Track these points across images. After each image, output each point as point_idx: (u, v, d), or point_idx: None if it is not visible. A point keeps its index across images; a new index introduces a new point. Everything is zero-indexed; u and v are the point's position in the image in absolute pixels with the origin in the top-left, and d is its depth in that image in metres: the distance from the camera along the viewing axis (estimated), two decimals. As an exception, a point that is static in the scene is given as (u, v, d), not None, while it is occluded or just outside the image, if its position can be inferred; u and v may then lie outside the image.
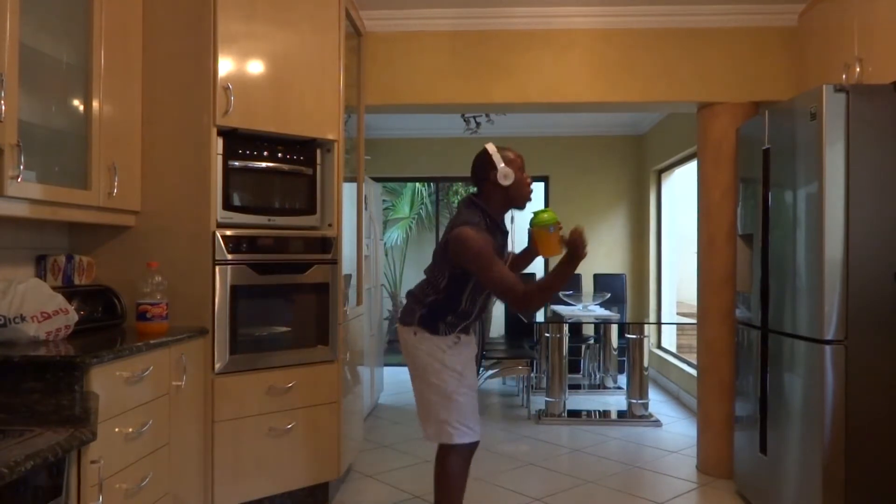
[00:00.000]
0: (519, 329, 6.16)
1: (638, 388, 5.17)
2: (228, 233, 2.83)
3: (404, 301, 2.69)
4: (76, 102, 2.46)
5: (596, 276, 6.81)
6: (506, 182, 2.47)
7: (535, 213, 2.49)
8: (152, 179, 2.81)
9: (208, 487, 2.75)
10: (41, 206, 2.20)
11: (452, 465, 2.59)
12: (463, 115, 5.66)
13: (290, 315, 3.11)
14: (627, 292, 6.87)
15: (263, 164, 3.00)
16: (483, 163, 2.53)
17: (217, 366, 2.79)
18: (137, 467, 2.19)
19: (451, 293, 2.53)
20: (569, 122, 6.91)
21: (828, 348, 2.69)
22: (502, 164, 2.48)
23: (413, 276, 9.46)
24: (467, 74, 3.79)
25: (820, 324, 2.71)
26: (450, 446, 2.57)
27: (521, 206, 2.59)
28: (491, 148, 2.54)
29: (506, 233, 2.63)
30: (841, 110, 2.68)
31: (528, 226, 2.56)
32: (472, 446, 2.63)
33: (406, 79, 3.80)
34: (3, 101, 1.92)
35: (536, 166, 7.28)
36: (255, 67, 2.91)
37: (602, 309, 5.58)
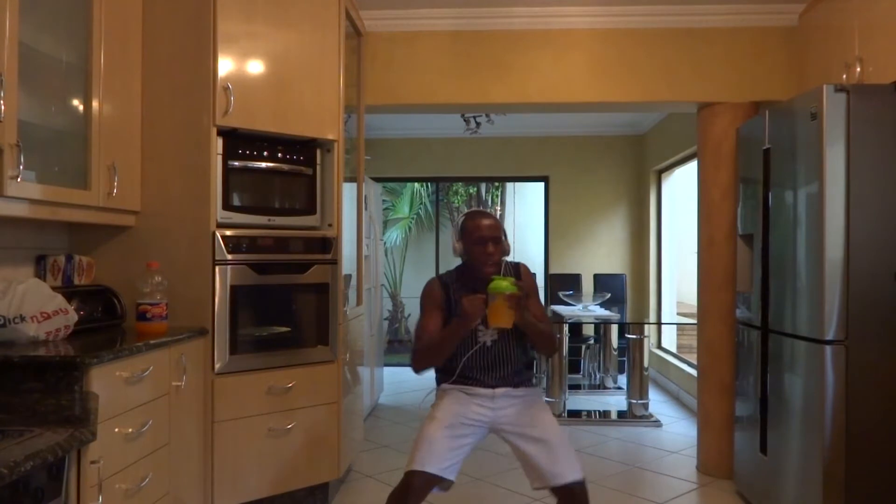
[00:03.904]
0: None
1: (638, 389, 5.17)
2: (228, 233, 2.83)
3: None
4: (76, 102, 2.46)
5: (596, 276, 6.81)
6: (455, 255, 2.53)
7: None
8: (152, 179, 2.81)
9: (208, 487, 2.75)
10: (41, 206, 2.20)
11: (397, 486, 2.35)
12: (463, 115, 5.66)
13: (289, 315, 3.11)
14: (627, 292, 6.87)
15: (263, 164, 3.00)
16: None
17: (217, 366, 2.79)
18: (137, 467, 2.18)
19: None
20: (569, 122, 6.91)
21: (828, 348, 2.69)
22: (454, 240, 2.53)
23: (413, 277, 9.46)
24: (467, 74, 3.79)
25: (820, 324, 2.71)
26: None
27: (480, 277, 2.41)
28: (455, 223, 2.55)
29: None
30: (841, 110, 2.68)
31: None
32: (412, 479, 2.29)
33: (406, 79, 3.80)
34: (2, 101, 1.92)
35: (536, 166, 7.31)
36: (255, 67, 2.91)
37: (602, 309, 5.58)
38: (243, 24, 2.86)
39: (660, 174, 6.85)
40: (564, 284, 6.45)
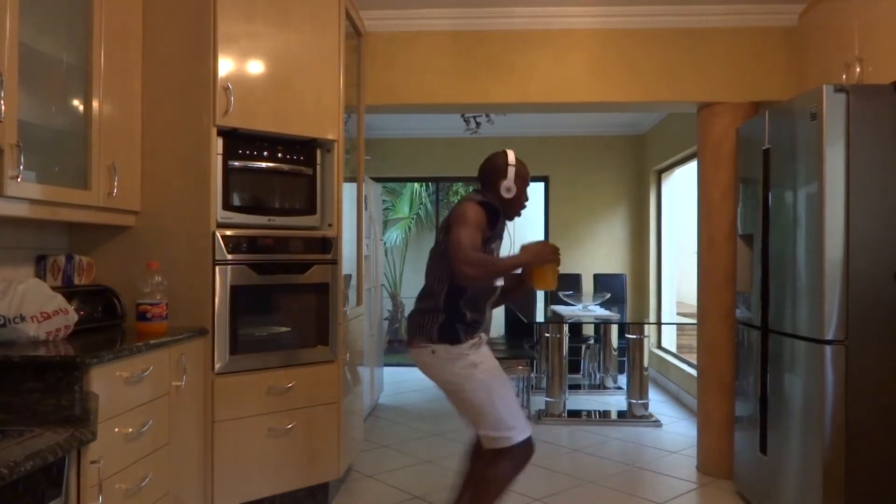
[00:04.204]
0: (519, 329, 6.16)
1: (638, 389, 5.17)
2: (228, 233, 2.83)
3: (406, 323, 2.61)
4: (76, 102, 2.46)
5: (596, 276, 6.81)
6: (507, 195, 2.52)
7: None
8: (152, 179, 2.81)
9: (208, 487, 2.75)
10: (41, 206, 2.20)
11: (504, 469, 2.44)
12: (463, 115, 5.66)
13: (290, 315, 3.11)
14: (627, 292, 6.87)
15: (263, 164, 3.00)
16: (496, 167, 2.53)
17: (217, 366, 2.79)
18: (137, 467, 2.19)
19: (456, 283, 2.44)
20: (569, 122, 6.92)
21: (828, 348, 2.69)
22: (511, 178, 2.50)
23: (413, 277, 9.46)
24: (467, 74, 3.79)
25: (820, 324, 2.71)
26: (506, 449, 2.43)
27: (510, 219, 2.61)
28: (511, 158, 2.55)
29: (503, 228, 2.62)
30: (841, 110, 2.68)
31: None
32: (529, 446, 2.47)
33: (406, 79, 3.80)
34: (3, 101, 1.92)
35: (536, 166, 7.23)
36: (255, 67, 2.91)
37: (602, 309, 5.58)
38: (243, 24, 2.86)
39: (660, 174, 6.85)
40: (564, 284, 6.43)
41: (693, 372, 5.26)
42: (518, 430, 2.42)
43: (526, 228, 9.86)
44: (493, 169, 2.54)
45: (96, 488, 1.78)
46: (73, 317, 2.31)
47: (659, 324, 6.64)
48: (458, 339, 2.43)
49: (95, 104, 2.47)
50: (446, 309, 2.45)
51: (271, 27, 2.95)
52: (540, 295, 7.28)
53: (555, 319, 5.34)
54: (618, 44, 3.76)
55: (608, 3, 3.65)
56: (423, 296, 2.56)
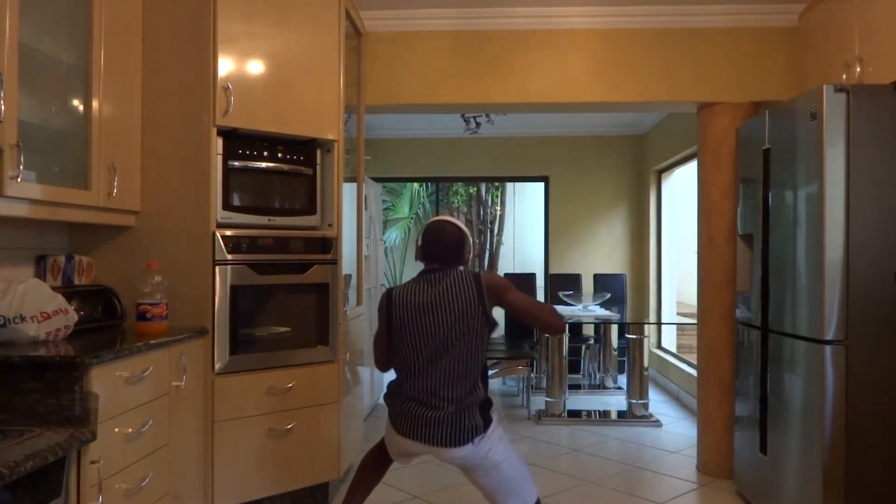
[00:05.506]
0: (519, 329, 6.16)
1: (638, 389, 5.17)
2: (228, 233, 2.83)
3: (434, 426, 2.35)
4: (76, 102, 2.46)
5: (596, 276, 6.81)
6: (467, 263, 2.62)
7: None
8: (152, 179, 2.81)
9: (208, 487, 2.75)
10: (41, 206, 2.20)
11: None
12: (463, 115, 5.66)
13: (289, 315, 3.11)
14: (627, 292, 6.87)
15: (263, 164, 3.00)
16: (463, 240, 2.56)
17: (217, 366, 2.79)
18: (137, 467, 2.19)
19: (485, 350, 2.45)
20: (569, 122, 6.91)
21: (828, 348, 2.69)
22: (472, 250, 2.66)
23: (413, 276, 9.43)
24: (467, 74, 3.79)
25: (820, 324, 2.71)
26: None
27: None
28: (470, 235, 2.66)
29: None
30: (841, 110, 2.68)
31: None
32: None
33: (406, 79, 3.80)
34: (3, 101, 1.92)
35: (536, 166, 7.31)
36: (255, 67, 2.91)
37: (602, 309, 5.58)
38: (243, 24, 2.86)
39: (660, 174, 6.85)
40: (564, 284, 6.44)
41: (693, 372, 5.26)
42: (534, 489, 2.50)
43: (526, 229, 9.88)
44: (462, 242, 2.55)
45: (96, 488, 1.78)
46: (73, 317, 2.31)
47: (659, 324, 6.64)
48: (490, 419, 2.42)
49: (95, 104, 2.47)
50: (483, 391, 2.41)
51: (271, 27, 2.95)
52: (540, 296, 7.30)
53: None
54: (618, 44, 3.76)
55: (608, 3, 3.66)
56: (456, 389, 2.36)
